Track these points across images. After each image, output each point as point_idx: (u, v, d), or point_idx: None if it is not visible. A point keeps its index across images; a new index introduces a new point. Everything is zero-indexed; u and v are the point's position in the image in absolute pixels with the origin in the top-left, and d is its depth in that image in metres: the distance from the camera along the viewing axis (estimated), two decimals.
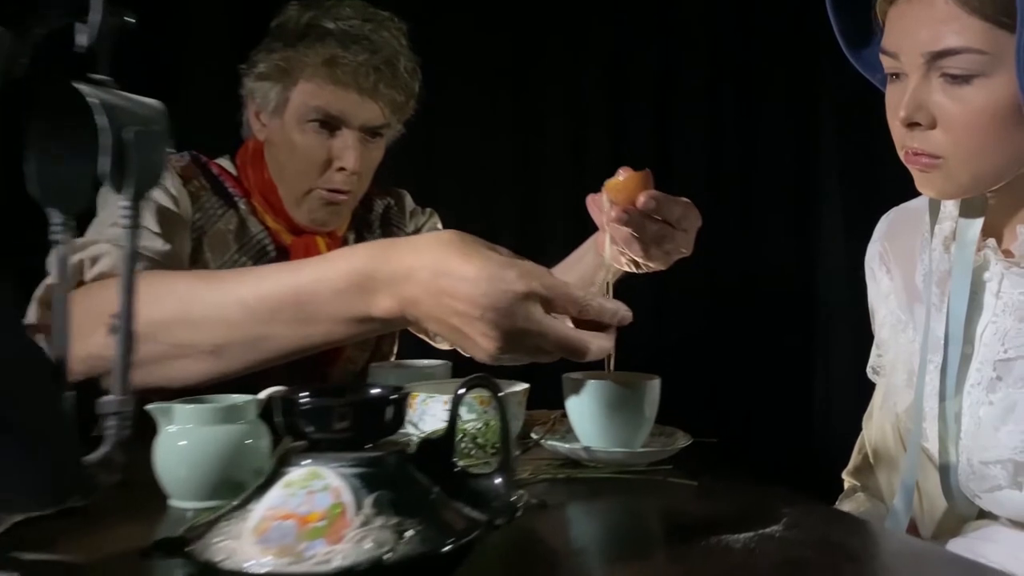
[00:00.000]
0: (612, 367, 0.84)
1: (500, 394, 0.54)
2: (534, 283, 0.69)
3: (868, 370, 1.10)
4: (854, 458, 1.14)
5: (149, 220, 1.11)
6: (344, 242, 1.38)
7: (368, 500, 0.47)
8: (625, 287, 1.02)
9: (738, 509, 0.75)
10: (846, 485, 1.14)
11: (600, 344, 0.72)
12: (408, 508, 0.48)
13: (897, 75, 0.88)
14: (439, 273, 0.71)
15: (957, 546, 0.89)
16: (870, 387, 1.12)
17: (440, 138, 2.15)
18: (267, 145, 1.28)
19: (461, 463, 0.74)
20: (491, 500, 0.52)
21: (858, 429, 1.13)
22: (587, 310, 0.72)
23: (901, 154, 0.89)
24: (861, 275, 1.12)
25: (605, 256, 0.98)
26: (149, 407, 0.74)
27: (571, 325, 0.72)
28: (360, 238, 1.41)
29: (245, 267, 0.84)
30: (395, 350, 1.46)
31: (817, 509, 0.78)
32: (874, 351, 1.10)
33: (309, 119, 1.21)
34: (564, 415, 0.92)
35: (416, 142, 1.46)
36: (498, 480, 0.54)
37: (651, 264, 0.97)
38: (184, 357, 0.83)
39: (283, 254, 1.28)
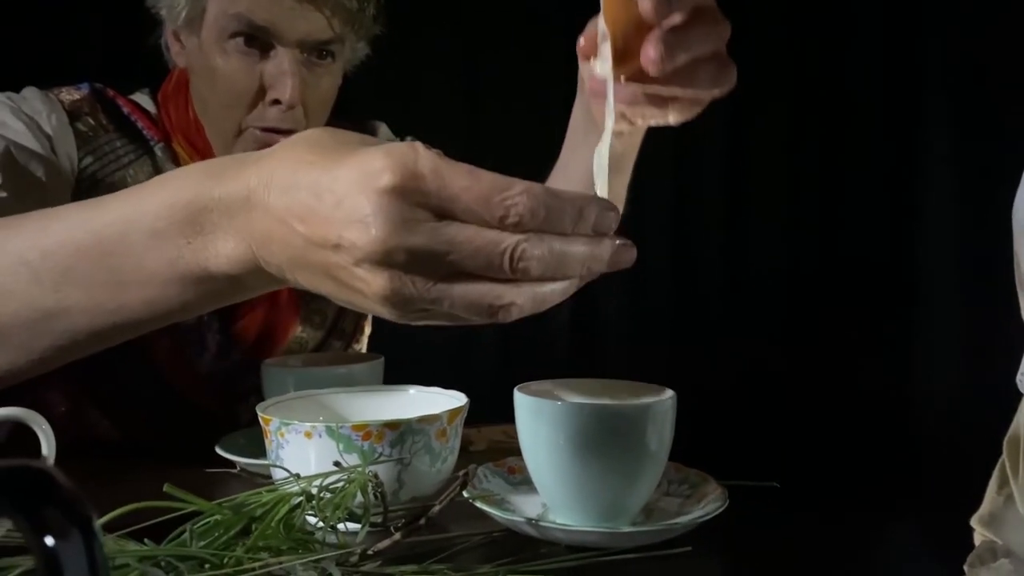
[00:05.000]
0: None
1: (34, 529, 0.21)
2: (405, 168, 0.41)
3: (1019, 378, 0.77)
4: (990, 499, 0.81)
5: None
6: None
7: None
8: (686, 273, 0.70)
9: None
10: (977, 539, 0.81)
11: (537, 292, 0.42)
12: None
13: None
14: (284, 188, 0.44)
15: None
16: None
17: (422, 61, 1.89)
18: (190, 74, 1.00)
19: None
20: None
21: (983, 449, 0.81)
22: (531, 211, 0.41)
23: None
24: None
25: (607, 125, 0.62)
26: None
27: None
28: None
29: (38, 210, 0.55)
30: (366, 328, 1.16)
31: None
32: None
33: (231, 33, 0.92)
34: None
35: (390, 67, 1.20)
36: None
37: (672, 118, 0.62)
38: None
39: None
